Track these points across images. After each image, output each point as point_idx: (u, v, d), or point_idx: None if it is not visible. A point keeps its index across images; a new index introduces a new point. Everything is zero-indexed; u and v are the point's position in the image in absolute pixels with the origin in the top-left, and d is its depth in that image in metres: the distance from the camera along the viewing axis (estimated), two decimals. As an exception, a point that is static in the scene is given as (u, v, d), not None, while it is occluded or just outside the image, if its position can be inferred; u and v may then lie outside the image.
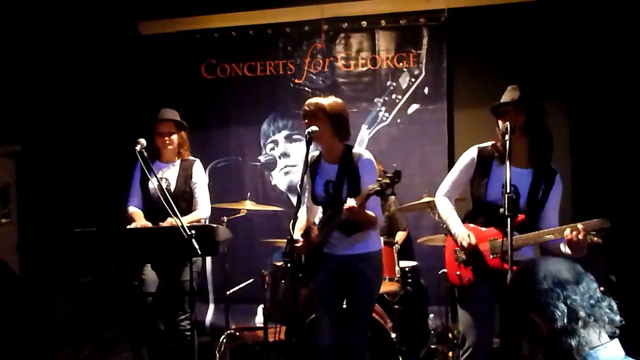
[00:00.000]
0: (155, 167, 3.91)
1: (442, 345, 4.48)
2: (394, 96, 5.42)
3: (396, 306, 4.20)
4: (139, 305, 4.63)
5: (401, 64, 5.41)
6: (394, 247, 4.18)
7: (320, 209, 3.33)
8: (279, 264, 4.35)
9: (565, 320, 1.44)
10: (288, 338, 4.17)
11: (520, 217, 2.79)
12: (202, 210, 3.93)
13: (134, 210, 3.90)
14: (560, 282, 1.47)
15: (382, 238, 4.03)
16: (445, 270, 3.18)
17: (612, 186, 4.75)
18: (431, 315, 4.80)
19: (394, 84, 5.42)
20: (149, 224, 3.71)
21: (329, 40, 5.55)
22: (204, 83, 5.73)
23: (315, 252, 3.18)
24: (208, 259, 5.21)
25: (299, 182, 2.97)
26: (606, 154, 4.91)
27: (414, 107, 5.38)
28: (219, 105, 5.70)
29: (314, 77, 5.57)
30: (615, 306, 1.51)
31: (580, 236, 2.63)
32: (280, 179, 5.64)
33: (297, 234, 3.24)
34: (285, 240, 2.92)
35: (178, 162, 3.99)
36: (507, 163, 2.67)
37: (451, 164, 5.14)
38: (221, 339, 4.44)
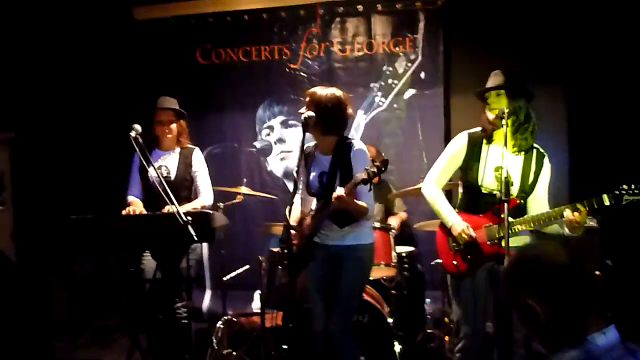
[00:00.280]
0: (154, 155, 3.90)
1: (439, 329, 4.51)
2: (390, 81, 5.38)
3: (393, 291, 4.21)
4: (136, 293, 4.65)
5: (397, 49, 5.38)
6: (390, 233, 4.17)
7: (314, 200, 3.32)
8: (275, 250, 4.35)
9: (563, 306, 1.44)
10: (285, 324, 4.18)
11: (514, 201, 2.81)
12: (205, 197, 3.92)
13: (133, 199, 3.88)
14: (558, 267, 1.47)
15: (377, 224, 4.05)
16: (439, 260, 3.17)
17: (609, 170, 4.74)
18: (428, 300, 4.81)
19: (390, 68, 5.38)
20: (144, 211, 3.69)
21: (324, 24, 5.50)
22: (199, 68, 5.69)
23: (306, 242, 3.19)
24: (205, 245, 5.20)
25: (295, 168, 2.96)
26: (603, 137, 4.90)
27: (410, 92, 5.36)
28: (214, 91, 5.67)
29: (309, 62, 5.53)
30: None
31: (581, 216, 2.66)
32: (276, 165, 5.63)
33: (293, 223, 3.25)
34: (282, 226, 2.91)
35: (178, 150, 3.97)
36: (504, 148, 2.68)
37: (448, 149, 5.15)
38: (218, 325, 4.45)
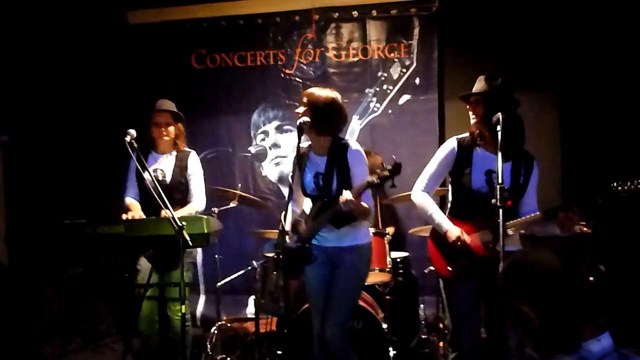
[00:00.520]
0: (150, 157, 3.90)
1: (433, 335, 4.51)
2: (385, 87, 5.40)
3: (387, 297, 4.21)
4: (129, 297, 4.62)
5: (392, 54, 5.40)
6: (385, 238, 4.18)
7: (308, 200, 3.31)
8: (269, 255, 4.34)
9: (557, 313, 1.44)
10: (279, 329, 4.18)
11: (509, 203, 2.80)
12: (197, 202, 3.91)
13: (131, 202, 3.88)
14: (552, 274, 1.47)
15: (372, 229, 4.05)
16: (432, 267, 3.17)
17: (601, 176, 4.77)
18: (422, 306, 4.81)
19: (385, 74, 5.40)
20: (143, 216, 3.68)
21: (319, 30, 5.52)
22: (194, 73, 5.68)
23: (303, 244, 3.18)
24: (199, 250, 5.19)
25: (290, 173, 2.96)
26: (596, 144, 4.94)
27: (405, 97, 5.37)
28: (209, 96, 5.66)
29: (304, 67, 5.54)
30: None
31: (574, 216, 2.67)
32: (270, 170, 5.62)
33: (288, 227, 3.25)
34: (278, 232, 2.91)
35: (174, 153, 3.96)
36: (499, 154, 2.68)
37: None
38: (212, 330, 4.43)
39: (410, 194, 4.31)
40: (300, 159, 3.24)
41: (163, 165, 3.91)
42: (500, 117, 2.76)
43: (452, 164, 3.05)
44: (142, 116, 3.94)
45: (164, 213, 3.35)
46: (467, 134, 3.05)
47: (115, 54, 5.63)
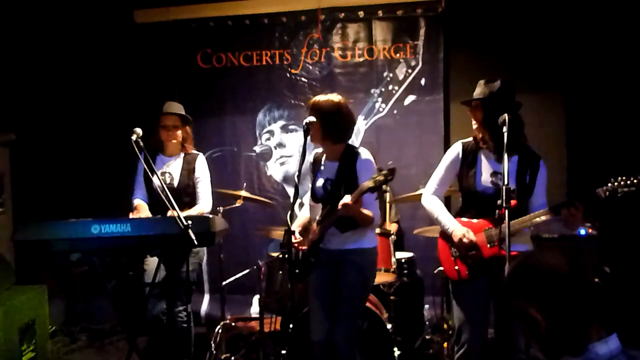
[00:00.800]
0: (158, 160, 3.91)
1: (437, 335, 4.51)
2: (390, 87, 5.40)
3: (392, 297, 4.21)
4: (135, 295, 4.63)
5: (398, 55, 5.40)
6: (390, 238, 4.18)
7: (320, 206, 3.33)
8: (274, 254, 4.35)
9: (564, 315, 1.44)
10: (284, 328, 4.18)
11: (513, 203, 2.81)
12: (203, 204, 3.91)
13: (139, 203, 3.89)
14: (559, 276, 1.46)
15: (377, 229, 4.06)
16: (441, 268, 3.19)
17: (607, 177, 4.76)
18: (426, 306, 4.82)
19: (391, 74, 5.40)
20: (150, 216, 3.69)
21: (325, 30, 5.52)
22: (200, 72, 5.70)
23: (311, 248, 3.19)
24: (204, 250, 5.21)
25: (297, 173, 2.97)
26: (602, 145, 4.92)
27: (410, 98, 5.38)
28: (215, 95, 5.68)
29: (310, 67, 5.55)
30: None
31: (578, 210, 2.70)
32: (275, 170, 5.63)
33: (297, 230, 3.27)
34: (283, 231, 2.91)
35: (182, 155, 3.97)
36: (505, 156, 2.69)
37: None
38: (216, 330, 4.44)
39: (415, 194, 4.35)
40: (315, 164, 3.29)
41: (171, 168, 3.92)
42: (507, 118, 2.77)
43: (458, 168, 3.10)
44: (149, 116, 3.95)
45: (170, 213, 3.35)
46: (471, 138, 3.10)
47: (121, 53, 5.65)
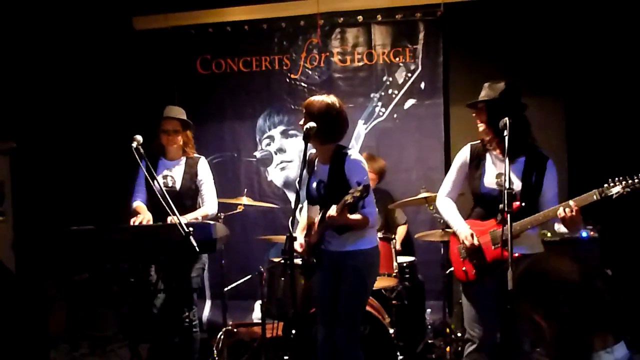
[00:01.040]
0: (160, 164, 3.91)
1: (440, 339, 4.50)
2: (390, 91, 5.40)
3: (393, 301, 4.21)
4: (137, 303, 4.62)
5: (397, 59, 5.40)
6: (391, 243, 4.18)
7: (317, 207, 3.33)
8: (276, 260, 4.35)
9: (569, 325, 1.42)
10: (286, 334, 4.17)
11: (516, 204, 2.83)
12: (209, 206, 3.90)
13: (138, 205, 3.88)
14: (567, 284, 1.45)
15: (379, 234, 4.05)
16: (452, 269, 3.22)
17: (607, 177, 4.75)
18: (428, 310, 4.81)
19: (390, 79, 5.41)
20: (150, 219, 3.67)
21: (324, 35, 5.52)
22: (199, 78, 5.70)
23: (312, 250, 3.19)
24: (205, 256, 5.21)
25: (298, 179, 2.97)
26: (602, 147, 4.92)
27: (410, 102, 5.37)
28: (214, 101, 5.67)
29: (310, 72, 5.55)
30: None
31: (573, 212, 2.71)
32: (276, 175, 5.63)
33: (299, 233, 3.28)
34: (284, 237, 2.91)
35: (183, 159, 3.97)
36: (506, 159, 2.72)
37: (447, 158, 5.17)
38: (218, 336, 4.44)
39: (416, 198, 4.36)
40: (309, 166, 3.28)
41: (173, 172, 3.92)
42: (508, 121, 2.79)
43: (466, 170, 3.14)
44: (149, 121, 3.95)
45: (171, 219, 3.35)
46: (479, 141, 3.13)
47: (121, 59, 5.65)
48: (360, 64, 5.48)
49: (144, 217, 3.67)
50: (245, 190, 4.88)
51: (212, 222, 3.37)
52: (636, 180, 2.63)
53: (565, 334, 1.43)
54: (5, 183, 5.43)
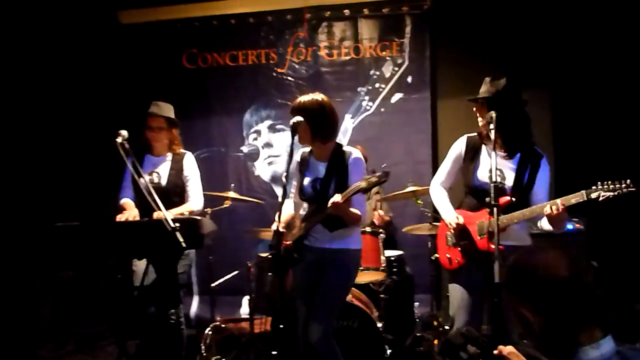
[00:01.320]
0: (146, 160, 3.86)
1: (428, 332, 4.51)
2: (377, 85, 5.40)
3: (382, 295, 4.21)
4: (124, 299, 4.59)
5: (384, 53, 5.40)
6: (379, 237, 4.18)
7: (305, 204, 3.32)
8: (263, 255, 4.33)
9: (556, 319, 1.43)
10: (274, 329, 4.16)
11: (506, 199, 2.89)
12: (194, 202, 3.87)
13: (126, 201, 3.83)
14: (555, 279, 1.45)
15: (368, 228, 4.06)
16: (437, 255, 3.25)
17: (593, 172, 4.79)
18: (417, 304, 4.82)
19: (378, 73, 5.40)
20: (137, 215, 3.64)
21: (311, 29, 5.51)
22: (185, 73, 5.67)
23: (295, 244, 3.18)
24: (192, 251, 5.19)
25: (285, 173, 2.95)
26: (587, 140, 4.96)
27: (397, 96, 5.38)
28: (201, 96, 5.64)
29: (296, 66, 5.53)
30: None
31: (560, 210, 2.72)
32: (263, 170, 5.61)
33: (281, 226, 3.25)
34: (272, 232, 2.90)
35: (170, 155, 3.92)
36: (493, 153, 2.73)
37: (435, 152, 5.19)
38: (206, 331, 4.42)
39: (404, 192, 4.36)
40: (302, 164, 3.27)
41: (159, 169, 3.87)
42: (493, 115, 2.82)
43: (461, 161, 3.15)
44: (135, 116, 3.90)
45: (157, 215, 3.32)
46: (476, 133, 3.14)
47: (106, 54, 5.60)
48: (347, 58, 5.47)
49: (130, 213, 3.63)
50: (233, 185, 4.86)
51: (198, 218, 3.35)
52: (623, 186, 2.62)
53: (552, 328, 1.43)
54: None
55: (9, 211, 5.47)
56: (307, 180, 3.22)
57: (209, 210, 4.38)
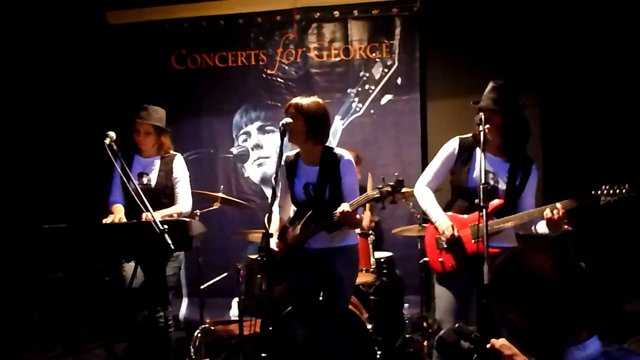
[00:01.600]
0: (135, 162, 3.83)
1: (418, 334, 4.52)
2: (367, 87, 5.41)
3: (372, 297, 4.20)
4: (112, 301, 4.56)
5: (374, 54, 5.40)
6: (369, 238, 4.18)
7: (292, 206, 3.31)
8: (253, 257, 4.31)
9: (541, 321, 1.43)
10: (264, 331, 4.15)
11: (499, 202, 2.90)
12: (182, 204, 3.84)
13: (115, 206, 3.80)
14: (542, 283, 1.45)
15: (357, 230, 4.05)
16: (426, 258, 3.22)
17: (581, 174, 4.83)
18: (406, 305, 4.82)
19: (367, 74, 5.41)
20: (123, 218, 3.62)
21: (301, 30, 5.50)
22: (175, 74, 5.64)
23: (293, 251, 3.17)
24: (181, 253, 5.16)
25: (274, 175, 2.94)
26: (576, 143, 4.99)
27: (387, 97, 5.38)
28: (190, 97, 5.61)
29: (286, 67, 5.52)
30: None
31: (560, 214, 2.74)
32: (253, 171, 5.59)
33: (274, 235, 3.23)
34: (262, 234, 2.88)
35: (159, 157, 3.88)
36: (482, 155, 2.74)
37: (425, 154, 5.19)
38: (196, 334, 4.40)
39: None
40: (290, 168, 3.25)
41: (148, 170, 3.84)
42: (483, 117, 2.83)
43: (453, 163, 3.12)
44: (124, 118, 3.87)
45: (145, 217, 3.30)
46: (469, 135, 3.12)
47: (94, 55, 5.55)
48: (337, 59, 5.47)
49: (117, 216, 3.61)
50: (222, 186, 4.84)
51: (187, 219, 3.33)
52: (624, 190, 2.65)
53: (537, 330, 1.43)
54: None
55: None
56: (298, 185, 3.20)
57: (198, 211, 4.35)
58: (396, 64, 5.37)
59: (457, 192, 3.13)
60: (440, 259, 3.06)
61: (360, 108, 5.42)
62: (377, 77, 5.39)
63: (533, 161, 3.08)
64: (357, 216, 3.08)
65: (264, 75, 5.55)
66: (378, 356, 3.81)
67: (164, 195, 3.80)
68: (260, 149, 5.59)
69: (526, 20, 5.10)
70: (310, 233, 3.13)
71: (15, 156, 5.50)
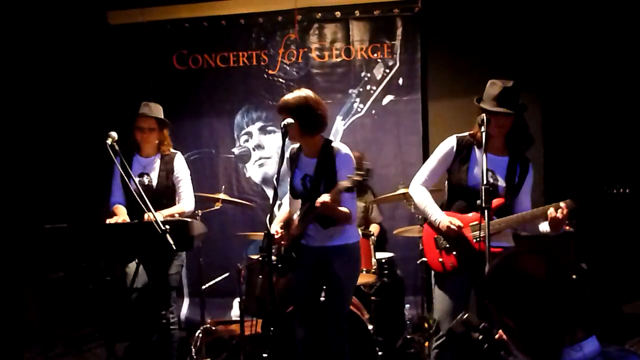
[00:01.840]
0: (135, 161, 3.83)
1: (418, 334, 4.52)
2: (368, 87, 5.41)
3: (372, 297, 4.21)
4: (113, 301, 4.56)
5: (375, 55, 5.40)
6: (370, 239, 4.18)
7: (299, 201, 3.31)
8: (254, 257, 4.32)
9: (536, 325, 1.42)
10: (265, 331, 4.15)
11: (500, 200, 2.90)
12: (185, 203, 3.84)
13: (117, 207, 3.80)
14: (534, 285, 1.44)
15: (359, 230, 4.05)
16: (424, 259, 3.20)
17: (582, 174, 4.83)
18: (407, 306, 4.83)
19: (369, 74, 5.41)
20: (126, 219, 3.62)
21: (302, 30, 5.50)
22: (176, 74, 5.64)
23: (293, 243, 3.18)
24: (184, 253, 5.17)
25: (275, 175, 2.95)
26: (577, 143, 4.99)
27: (388, 98, 5.38)
28: (192, 97, 5.62)
29: (287, 68, 5.53)
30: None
31: (565, 213, 2.74)
32: (254, 171, 5.60)
33: (277, 226, 3.26)
34: (263, 234, 2.89)
35: (159, 156, 3.88)
36: (484, 156, 2.72)
37: (426, 154, 5.19)
38: (197, 334, 4.40)
39: (394, 194, 4.36)
40: (292, 160, 3.26)
41: (148, 170, 3.84)
42: (485, 117, 2.81)
43: (450, 161, 3.10)
44: (125, 118, 3.87)
45: (147, 217, 3.30)
46: (466, 133, 3.11)
47: (96, 55, 5.56)
48: (338, 59, 5.47)
49: (120, 218, 3.61)
50: (224, 187, 4.84)
51: (189, 220, 3.33)
52: (627, 191, 2.65)
53: (532, 333, 1.43)
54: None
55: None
56: (297, 177, 3.22)
57: (199, 212, 4.36)
58: (397, 65, 5.37)
59: (456, 191, 3.10)
60: (441, 259, 3.05)
61: (362, 108, 5.42)
62: (378, 77, 5.40)
63: (529, 160, 3.08)
64: (343, 209, 3.04)
65: (265, 76, 5.56)
66: (379, 357, 3.80)
67: (165, 194, 3.80)
68: (262, 150, 5.60)
69: (527, 21, 5.11)
70: (304, 225, 3.14)
71: (16, 156, 5.51)
